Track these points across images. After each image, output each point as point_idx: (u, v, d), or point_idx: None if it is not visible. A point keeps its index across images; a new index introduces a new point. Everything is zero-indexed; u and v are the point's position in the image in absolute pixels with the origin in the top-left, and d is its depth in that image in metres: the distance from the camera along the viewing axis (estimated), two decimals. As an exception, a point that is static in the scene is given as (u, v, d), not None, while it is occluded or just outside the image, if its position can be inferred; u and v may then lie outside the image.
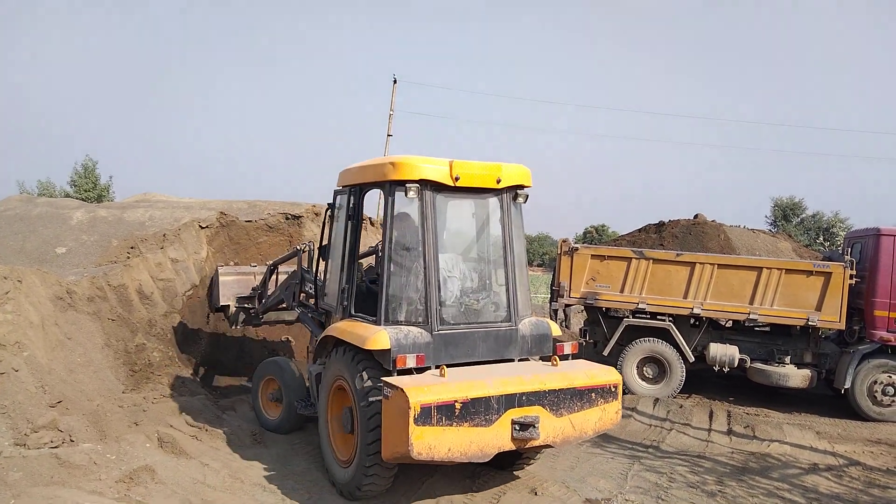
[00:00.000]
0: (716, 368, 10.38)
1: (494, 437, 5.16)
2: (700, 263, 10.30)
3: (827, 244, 30.19)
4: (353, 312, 6.15)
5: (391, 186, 5.78)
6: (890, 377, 9.75)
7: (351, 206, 6.43)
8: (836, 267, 9.72)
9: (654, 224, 12.28)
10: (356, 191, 6.42)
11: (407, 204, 5.80)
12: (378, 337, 5.46)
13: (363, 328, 5.72)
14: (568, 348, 6.23)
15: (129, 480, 5.74)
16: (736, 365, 10.32)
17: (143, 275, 9.70)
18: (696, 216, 12.29)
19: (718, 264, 10.27)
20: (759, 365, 10.28)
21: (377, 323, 5.67)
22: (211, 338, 10.18)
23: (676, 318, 10.50)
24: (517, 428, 5.20)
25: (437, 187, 5.72)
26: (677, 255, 10.49)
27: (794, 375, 10.00)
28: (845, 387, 9.80)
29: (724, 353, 10.32)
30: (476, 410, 5.06)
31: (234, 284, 9.44)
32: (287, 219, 13.09)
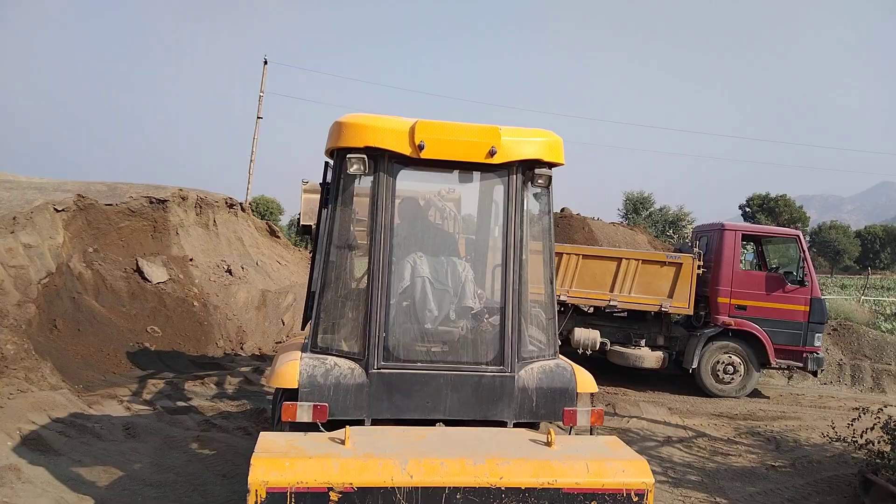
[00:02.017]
0: (579, 351, 11.06)
1: None
2: (567, 254, 10.95)
3: (675, 236, 32.70)
4: None
5: (335, 158, 4.24)
6: (730, 357, 10.86)
7: (326, 181, 4.62)
8: (685, 258, 10.68)
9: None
10: (329, 162, 4.57)
11: (355, 183, 4.24)
12: (285, 371, 3.94)
13: (290, 354, 4.19)
14: (584, 417, 4.17)
15: (-9, 481, 5.36)
16: (598, 348, 11.09)
17: (-8, 261, 8.95)
18: (562, 209, 13.02)
19: (583, 255, 10.98)
20: (618, 348, 11.12)
21: (309, 349, 4.17)
22: (71, 328, 9.57)
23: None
24: None
25: (397, 160, 4.08)
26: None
27: (649, 357, 10.90)
28: (693, 367, 10.81)
29: (587, 337, 11.04)
30: None
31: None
32: (151, 203, 12.52)
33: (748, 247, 12.16)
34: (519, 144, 4.14)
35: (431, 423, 4.04)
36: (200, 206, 13.66)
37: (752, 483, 6.70)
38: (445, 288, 4.40)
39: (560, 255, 10.92)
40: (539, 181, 4.20)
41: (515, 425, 4.11)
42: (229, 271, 12.84)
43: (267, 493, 3.20)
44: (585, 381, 4.26)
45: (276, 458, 3.35)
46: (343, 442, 3.55)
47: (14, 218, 9.80)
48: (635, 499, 3.42)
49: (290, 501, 3.23)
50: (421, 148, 3.97)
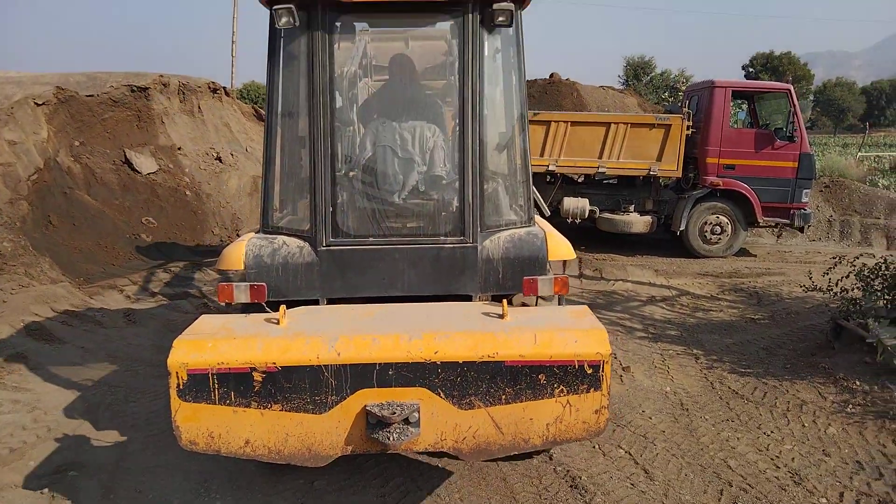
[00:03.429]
0: (569, 220, 11.21)
1: (333, 433, 3.20)
2: (555, 122, 10.82)
3: (671, 99, 32.12)
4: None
5: (270, 13, 3.66)
6: (717, 218, 10.98)
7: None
8: (674, 119, 10.57)
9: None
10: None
11: (293, 40, 3.74)
12: (230, 252, 3.78)
13: (243, 237, 3.97)
14: (546, 286, 3.80)
15: (0, 369, 5.66)
16: (587, 216, 11.21)
17: (-23, 160, 8.97)
18: (551, 75, 12.73)
19: (571, 122, 10.85)
20: (606, 215, 11.23)
21: (261, 229, 3.94)
22: (66, 223, 9.71)
23: (534, 176, 11.10)
24: (372, 422, 3.16)
25: (331, 7, 3.63)
26: (534, 114, 10.93)
27: (638, 222, 11.04)
28: (681, 229, 10.96)
29: (576, 206, 11.13)
30: (294, 387, 3.14)
31: None
32: (133, 91, 12.33)
33: (742, 105, 11.97)
34: None
35: (394, 300, 3.83)
36: (183, 93, 13.43)
37: (730, 335, 6.99)
38: (413, 156, 3.99)
39: (548, 122, 10.81)
40: (500, 18, 3.60)
41: (481, 300, 3.86)
42: (219, 159, 12.81)
43: (188, 374, 3.09)
44: (559, 248, 3.91)
45: (200, 340, 3.22)
46: (278, 322, 3.41)
47: (-6, 115, 9.71)
48: (589, 371, 3.16)
49: (213, 383, 3.11)
50: None
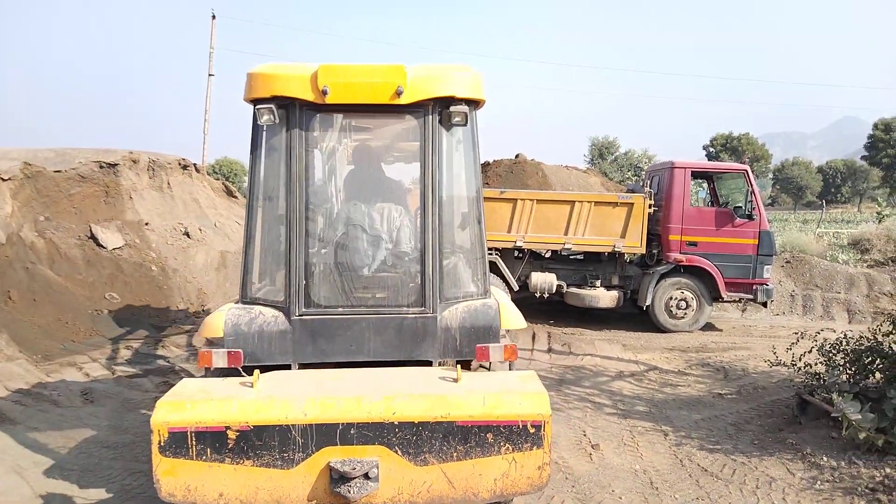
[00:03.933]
0: (537, 295, 11.28)
1: (299, 487, 3.50)
2: (521, 199, 11.04)
3: (634, 179, 32.98)
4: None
5: (253, 111, 4.16)
6: (682, 293, 11.15)
7: None
8: (637, 198, 10.84)
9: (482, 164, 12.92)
10: None
11: (273, 134, 4.21)
12: (212, 321, 4.08)
13: (223, 307, 4.29)
14: (497, 352, 4.16)
15: (-55, 452, 5.41)
16: (555, 291, 11.30)
17: (-63, 235, 8.80)
18: (517, 156, 13.06)
19: (537, 200, 11.09)
20: (574, 290, 11.34)
21: (240, 300, 4.28)
22: (26, 299, 9.49)
23: (502, 251, 11.24)
24: (335, 477, 3.46)
25: (306, 107, 4.10)
26: (501, 192, 11.17)
27: (604, 297, 11.15)
28: (647, 304, 11.09)
29: (544, 281, 11.23)
30: (264, 445, 3.46)
31: None
32: (101, 167, 12.32)
33: (702, 184, 12.34)
34: (429, 82, 4.07)
35: (361, 366, 4.16)
36: (153, 169, 13.46)
37: (698, 411, 6.99)
38: (379, 234, 4.42)
39: (514, 200, 11.02)
40: (456, 119, 4.09)
41: (440, 365, 4.20)
42: (187, 234, 12.74)
43: (168, 432, 3.41)
44: (511, 318, 4.27)
45: (180, 401, 3.55)
46: (252, 385, 3.74)
47: (-43, 190, 9.61)
48: (532, 430, 3.51)
49: (191, 440, 3.42)
50: (325, 93, 3.96)
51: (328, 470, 3.47)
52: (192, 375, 7.91)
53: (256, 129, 4.17)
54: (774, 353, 7.25)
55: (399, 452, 3.50)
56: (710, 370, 8.68)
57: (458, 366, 3.97)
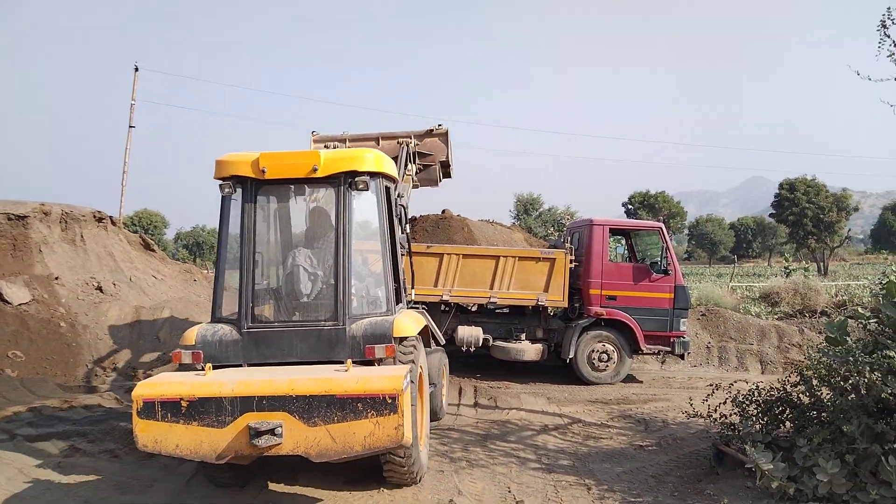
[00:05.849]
0: (464, 349, 11.30)
1: (228, 441, 4.94)
2: (448, 254, 11.14)
3: (557, 234, 33.83)
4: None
5: (219, 185, 6.00)
6: (604, 346, 11.39)
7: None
8: (558, 253, 11.11)
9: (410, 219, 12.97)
10: None
11: (233, 201, 6.00)
12: (189, 334, 5.82)
13: (198, 325, 6.01)
14: (381, 351, 5.70)
15: None
16: (481, 344, 11.35)
17: None
18: (443, 211, 13.21)
19: (463, 255, 11.20)
20: (499, 343, 11.42)
21: (211, 320, 6.06)
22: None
23: (429, 305, 11.23)
24: (252, 433, 4.87)
25: (253, 182, 5.90)
26: (428, 247, 11.24)
27: (529, 350, 11.28)
28: (570, 356, 11.26)
29: (470, 334, 11.28)
30: (205, 410, 4.93)
31: None
32: (10, 219, 11.79)
33: (620, 240, 12.75)
34: (338, 161, 5.91)
35: (290, 364, 5.75)
36: (66, 221, 12.94)
37: (620, 463, 7.06)
38: (316, 271, 6.11)
39: (441, 255, 11.11)
40: (360, 186, 5.89)
41: (363, 362, 5.67)
42: (100, 288, 12.21)
43: (143, 402, 4.95)
44: (402, 328, 5.92)
45: (152, 382, 5.27)
46: (205, 374, 5.38)
47: None
48: (389, 401, 4.89)
49: (158, 408, 4.94)
50: (263, 172, 5.80)
51: (248, 429, 4.90)
52: (97, 437, 7.48)
53: (222, 198, 5.99)
54: (691, 405, 7.44)
55: (297, 417, 4.92)
56: (632, 422, 8.82)
57: (350, 360, 5.48)
